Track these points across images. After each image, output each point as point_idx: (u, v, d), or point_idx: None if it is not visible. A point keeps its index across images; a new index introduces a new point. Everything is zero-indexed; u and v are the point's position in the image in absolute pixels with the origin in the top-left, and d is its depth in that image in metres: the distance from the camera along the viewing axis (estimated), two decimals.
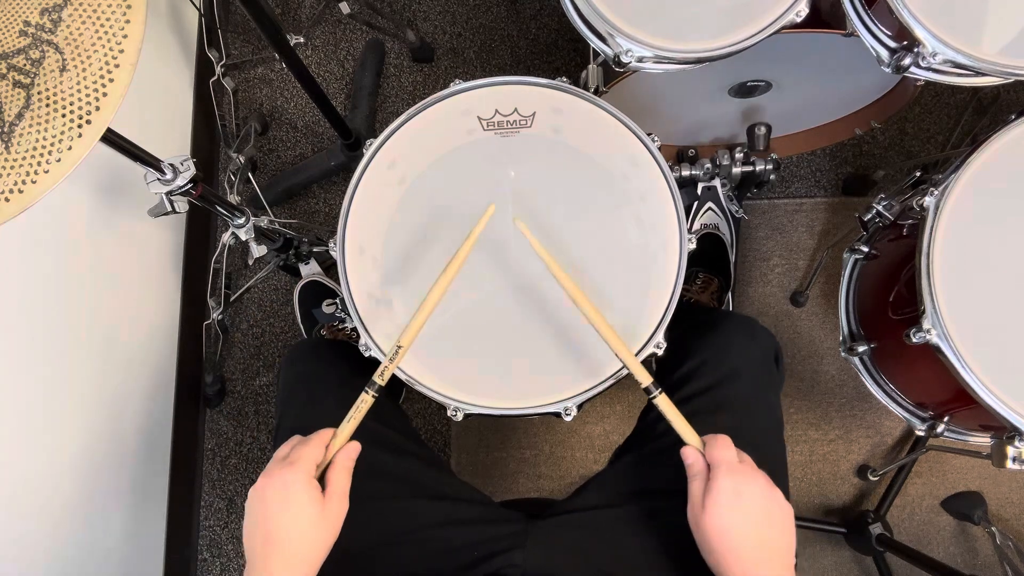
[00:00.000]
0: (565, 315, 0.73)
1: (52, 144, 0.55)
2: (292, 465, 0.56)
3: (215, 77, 1.35)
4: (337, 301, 1.22)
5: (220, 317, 1.28)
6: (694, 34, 0.77)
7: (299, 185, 1.38)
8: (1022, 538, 1.25)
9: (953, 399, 0.82)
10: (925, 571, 1.08)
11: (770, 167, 1.06)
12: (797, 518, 0.58)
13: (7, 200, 0.54)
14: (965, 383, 0.71)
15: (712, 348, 0.77)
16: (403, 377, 0.72)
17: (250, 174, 1.30)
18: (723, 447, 0.58)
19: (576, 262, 0.73)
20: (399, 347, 0.62)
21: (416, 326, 0.62)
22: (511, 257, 0.75)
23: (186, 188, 0.82)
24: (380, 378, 0.62)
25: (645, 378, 0.62)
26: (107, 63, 0.56)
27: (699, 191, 1.15)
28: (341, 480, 0.58)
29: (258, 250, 1.05)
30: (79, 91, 0.56)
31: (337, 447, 0.60)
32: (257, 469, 1.33)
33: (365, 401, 0.61)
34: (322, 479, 0.58)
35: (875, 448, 1.29)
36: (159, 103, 1.25)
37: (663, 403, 0.62)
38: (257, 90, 1.45)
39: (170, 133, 1.29)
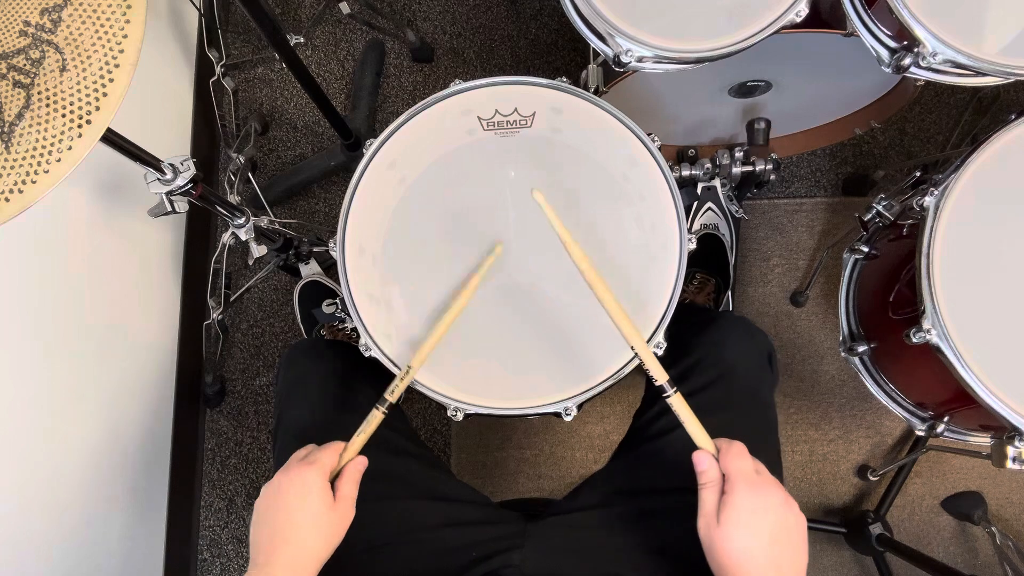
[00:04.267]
0: (565, 315, 0.73)
1: (52, 144, 0.55)
2: (311, 465, 0.58)
3: (215, 77, 1.35)
4: (337, 301, 1.22)
5: (220, 317, 1.28)
6: (694, 34, 0.77)
7: (299, 185, 1.38)
8: (1022, 538, 1.25)
9: (953, 399, 0.82)
10: (925, 571, 1.08)
11: (770, 167, 1.06)
12: None
13: (7, 200, 0.54)
14: (965, 383, 0.71)
15: (707, 347, 0.77)
16: None
17: (250, 174, 1.30)
18: (739, 456, 0.55)
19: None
20: (410, 367, 0.66)
21: (428, 349, 0.67)
22: (512, 257, 0.75)
23: (186, 188, 0.82)
24: (391, 395, 0.64)
25: (661, 375, 0.60)
26: (107, 63, 0.56)
27: (699, 191, 1.15)
28: (350, 488, 0.61)
29: (258, 250, 1.05)
30: (79, 91, 0.56)
31: (348, 458, 0.62)
32: (257, 469, 1.33)
33: (376, 417, 0.64)
34: (332, 486, 0.61)
35: (875, 448, 1.29)
36: (159, 103, 1.25)
37: (677, 403, 0.59)
38: (257, 90, 1.45)
39: (170, 133, 1.29)
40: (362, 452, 0.63)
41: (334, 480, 0.61)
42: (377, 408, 0.64)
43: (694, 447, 0.58)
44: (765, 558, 0.52)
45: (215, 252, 1.23)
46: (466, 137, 0.77)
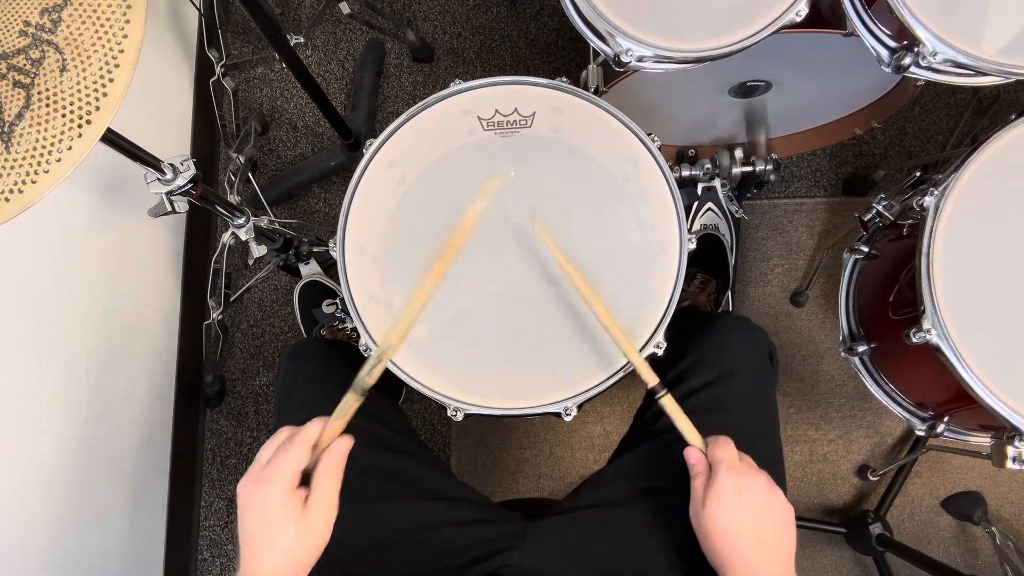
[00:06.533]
0: (565, 315, 0.73)
1: (52, 144, 0.55)
2: (268, 484, 0.53)
3: (215, 77, 1.35)
4: (337, 301, 1.22)
5: (220, 317, 1.28)
6: (694, 34, 0.77)
7: (299, 185, 1.38)
8: (1022, 538, 1.25)
9: (953, 399, 0.82)
10: (925, 571, 1.08)
11: (770, 167, 1.07)
12: (797, 518, 0.59)
13: (7, 200, 0.54)
14: (965, 383, 0.71)
15: (708, 346, 0.77)
16: (403, 377, 0.72)
17: (250, 174, 1.30)
18: (724, 446, 0.59)
19: (576, 262, 0.73)
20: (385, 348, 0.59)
21: (412, 315, 0.59)
22: (512, 257, 0.75)
23: (186, 188, 0.82)
24: (369, 376, 0.58)
25: (652, 379, 0.64)
26: (107, 63, 0.56)
27: (699, 191, 1.15)
28: (325, 485, 0.55)
29: (258, 250, 1.05)
30: (79, 91, 0.56)
31: (322, 447, 0.56)
32: None
33: (355, 398, 0.58)
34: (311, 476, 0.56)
35: (875, 448, 1.29)
36: (159, 103, 1.25)
37: (668, 404, 0.63)
38: (257, 90, 1.45)
39: (170, 133, 1.29)
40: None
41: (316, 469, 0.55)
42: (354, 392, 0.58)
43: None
44: (749, 533, 0.56)
45: (215, 252, 1.23)
46: (466, 137, 0.77)
